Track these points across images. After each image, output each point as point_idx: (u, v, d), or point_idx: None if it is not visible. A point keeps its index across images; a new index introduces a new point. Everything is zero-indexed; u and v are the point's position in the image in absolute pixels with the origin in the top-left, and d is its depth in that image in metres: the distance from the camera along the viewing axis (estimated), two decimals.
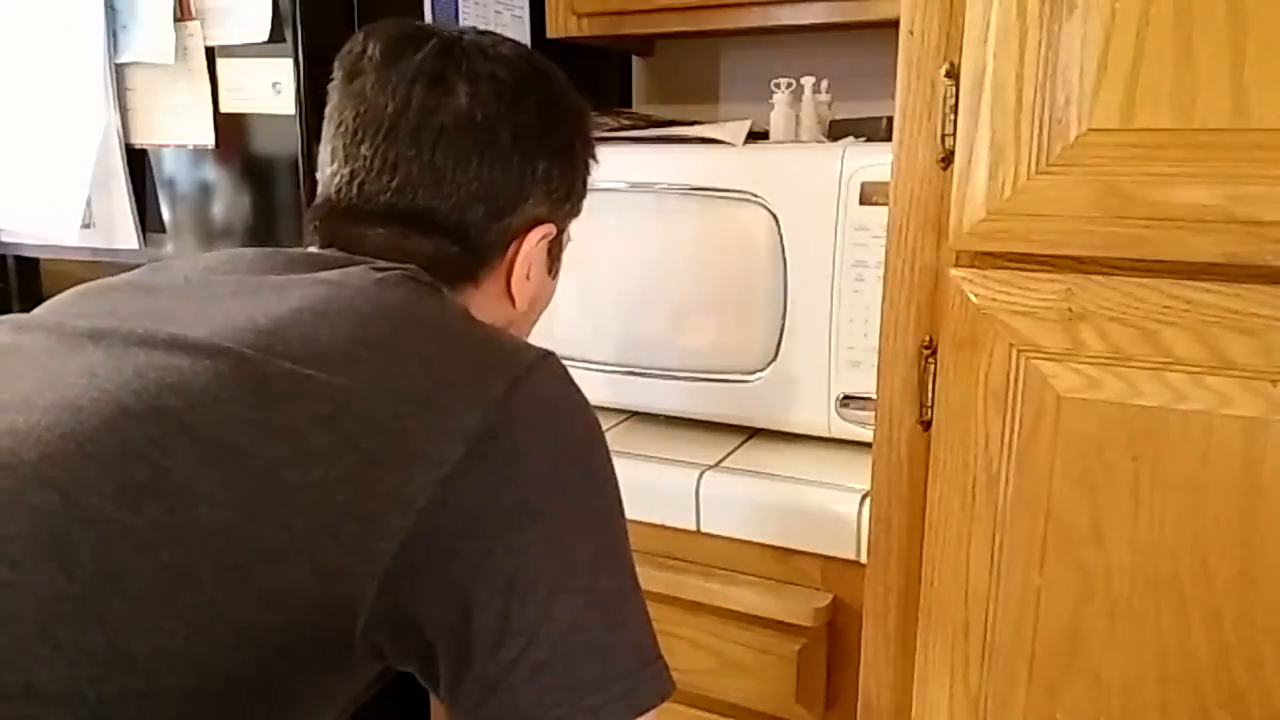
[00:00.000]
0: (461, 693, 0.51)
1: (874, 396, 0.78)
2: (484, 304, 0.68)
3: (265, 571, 0.46)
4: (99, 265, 1.12)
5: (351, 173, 0.64)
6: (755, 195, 0.98)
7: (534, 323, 0.76)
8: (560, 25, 1.27)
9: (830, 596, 0.91)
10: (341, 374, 0.50)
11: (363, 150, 0.64)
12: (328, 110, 0.67)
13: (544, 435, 0.54)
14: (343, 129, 0.65)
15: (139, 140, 1.11)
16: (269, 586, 0.46)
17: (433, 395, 0.51)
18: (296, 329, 0.52)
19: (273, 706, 0.49)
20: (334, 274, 0.58)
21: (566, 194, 0.71)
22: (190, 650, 0.45)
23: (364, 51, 0.65)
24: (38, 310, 0.61)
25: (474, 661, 0.50)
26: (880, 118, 1.06)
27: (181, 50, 1.04)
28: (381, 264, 0.60)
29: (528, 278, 0.69)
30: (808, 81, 1.12)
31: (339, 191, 0.65)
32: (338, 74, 0.67)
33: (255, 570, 0.46)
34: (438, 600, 0.49)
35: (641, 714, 0.52)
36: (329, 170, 0.66)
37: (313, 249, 0.66)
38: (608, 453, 0.57)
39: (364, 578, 0.47)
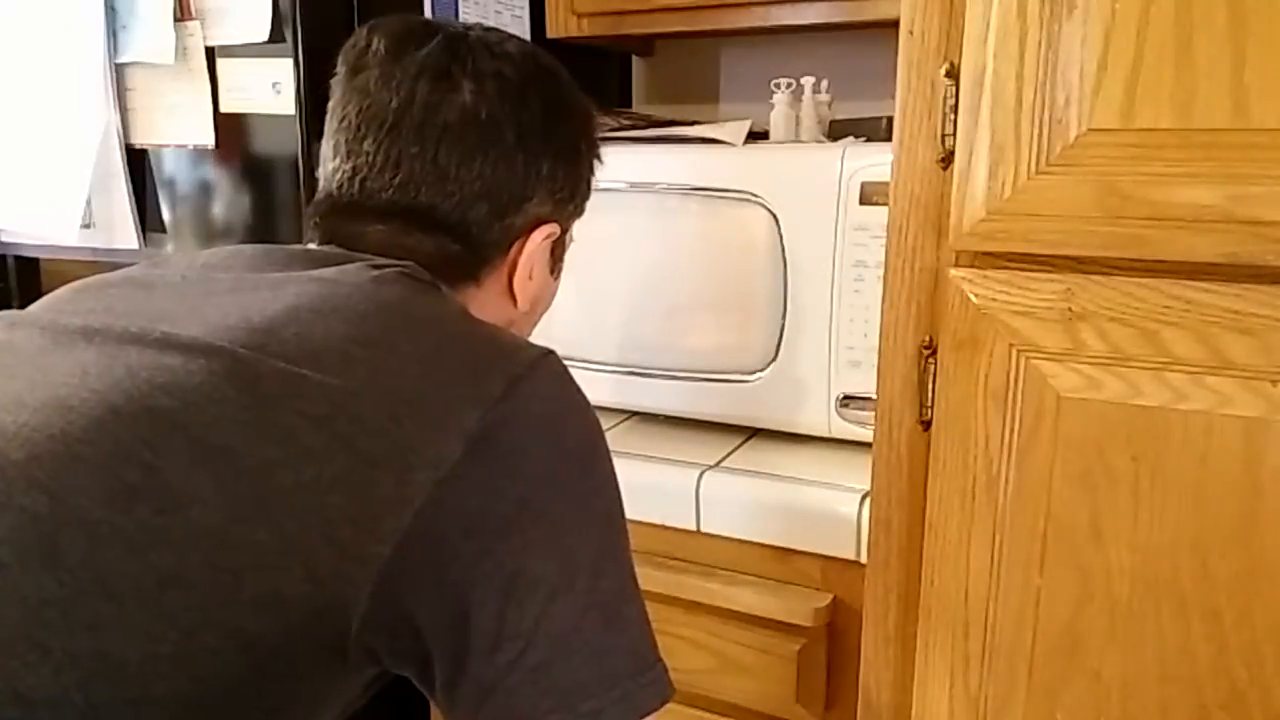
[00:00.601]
0: (458, 696, 0.50)
1: (874, 396, 0.78)
2: (485, 303, 0.67)
3: (257, 574, 0.45)
4: (99, 265, 1.11)
5: (353, 169, 0.64)
6: (755, 195, 0.98)
7: (535, 323, 0.76)
8: (560, 25, 1.27)
9: (830, 596, 0.91)
10: (336, 374, 0.50)
11: (365, 146, 0.63)
12: (330, 105, 0.67)
13: (544, 435, 0.53)
14: (345, 124, 0.65)
15: (139, 140, 1.11)
16: (261, 590, 0.45)
17: (430, 395, 0.51)
18: (291, 328, 0.52)
19: (266, 711, 0.48)
20: (330, 271, 0.57)
21: (571, 194, 0.70)
22: (181, 655, 0.44)
23: (368, 46, 0.65)
24: (33, 307, 0.60)
25: (470, 664, 0.49)
26: (880, 118, 1.06)
27: (181, 50, 1.04)
28: (379, 261, 0.60)
29: (530, 277, 0.69)
30: (808, 81, 1.12)
31: (340, 187, 0.65)
32: (341, 68, 0.66)
33: (247, 573, 0.45)
34: (434, 602, 0.49)
35: (641, 718, 0.52)
36: (330, 166, 0.66)
37: (312, 245, 0.66)
38: (609, 454, 0.57)
39: (358, 580, 0.47)
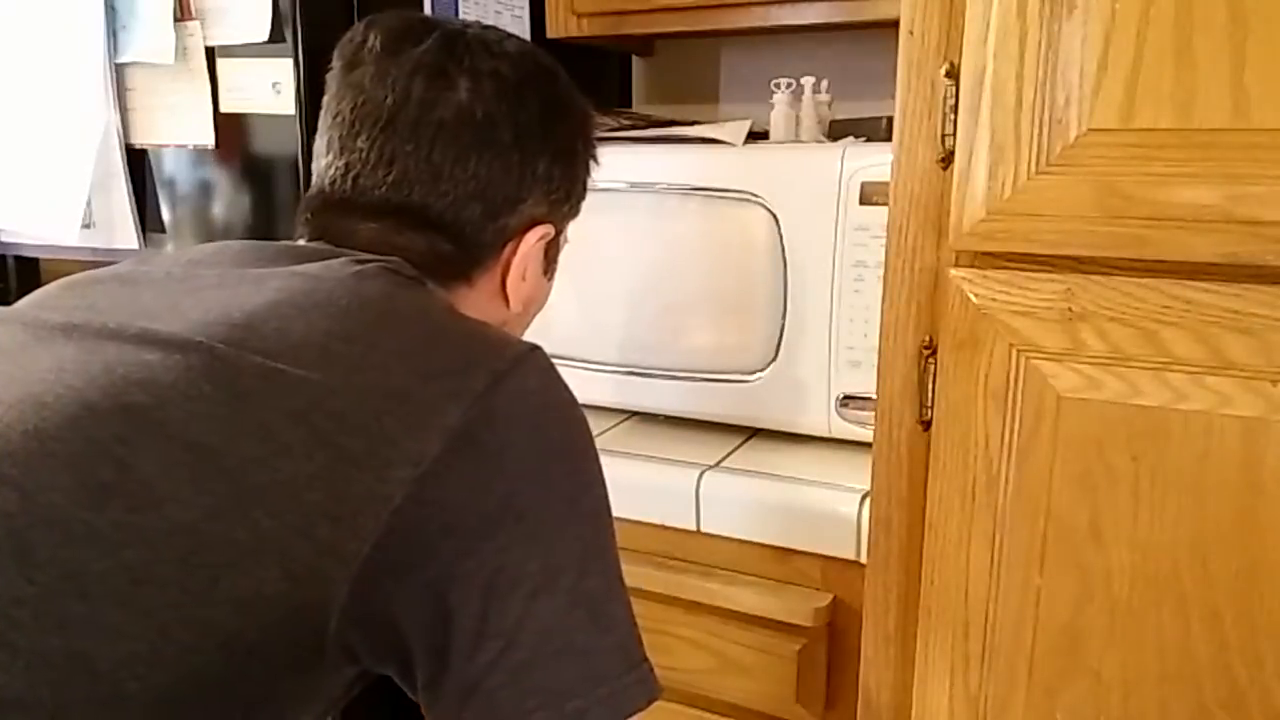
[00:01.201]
0: (440, 695, 0.50)
1: (874, 396, 0.78)
2: (477, 304, 0.67)
3: (233, 572, 0.45)
4: (99, 265, 1.11)
5: (346, 165, 0.63)
6: (755, 195, 0.98)
7: (528, 324, 0.75)
8: (560, 25, 1.27)
9: (830, 596, 0.91)
10: (315, 369, 0.49)
11: (359, 143, 0.63)
12: (325, 100, 0.66)
13: (528, 431, 0.52)
14: (339, 120, 0.64)
15: (139, 140, 1.11)
16: (237, 587, 0.45)
17: (412, 390, 0.50)
18: (272, 323, 0.51)
19: (244, 710, 0.48)
20: (314, 266, 0.57)
21: (566, 195, 0.70)
22: (155, 654, 0.43)
23: (364, 42, 0.64)
24: (19, 303, 0.59)
25: (452, 663, 0.49)
26: (880, 118, 1.06)
27: (181, 50, 1.04)
28: (363, 256, 0.59)
29: (523, 279, 0.68)
30: (808, 81, 1.12)
31: (333, 184, 0.64)
32: (337, 63, 0.66)
33: (223, 571, 0.45)
34: (415, 601, 0.48)
35: (626, 717, 0.51)
36: (323, 162, 0.65)
37: (301, 241, 0.65)
38: (595, 451, 0.56)
39: (337, 579, 0.46)
